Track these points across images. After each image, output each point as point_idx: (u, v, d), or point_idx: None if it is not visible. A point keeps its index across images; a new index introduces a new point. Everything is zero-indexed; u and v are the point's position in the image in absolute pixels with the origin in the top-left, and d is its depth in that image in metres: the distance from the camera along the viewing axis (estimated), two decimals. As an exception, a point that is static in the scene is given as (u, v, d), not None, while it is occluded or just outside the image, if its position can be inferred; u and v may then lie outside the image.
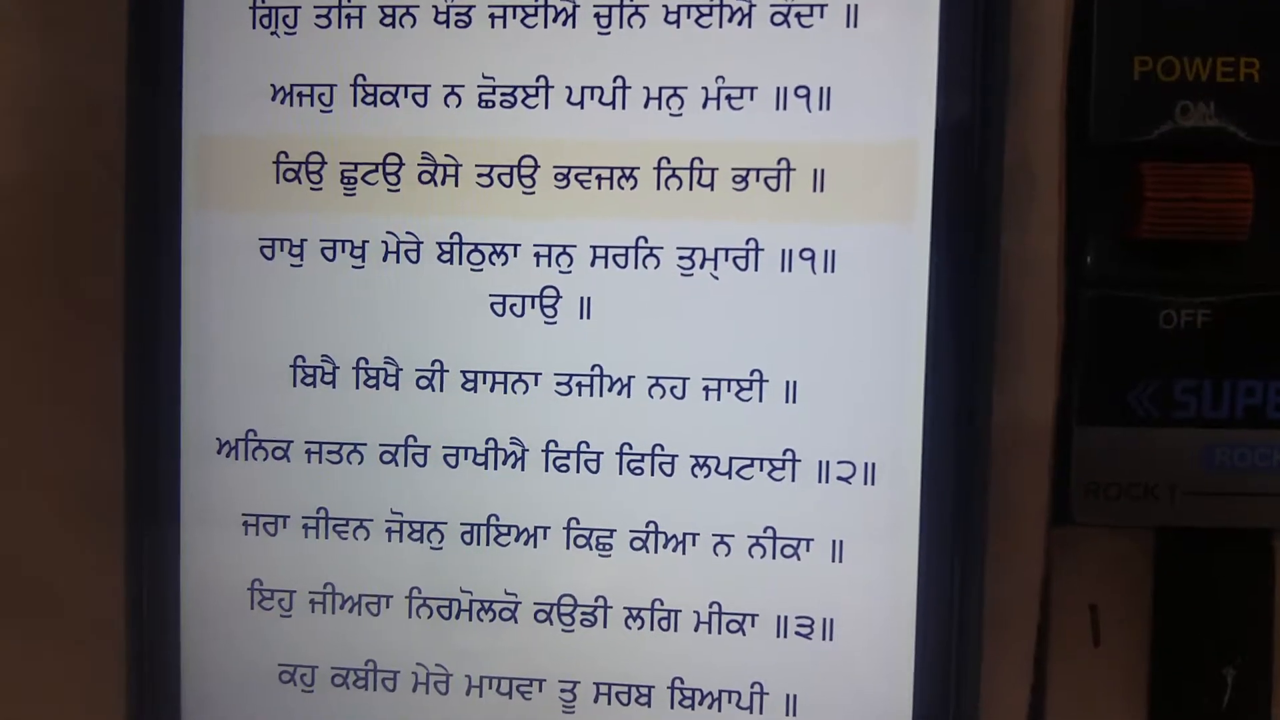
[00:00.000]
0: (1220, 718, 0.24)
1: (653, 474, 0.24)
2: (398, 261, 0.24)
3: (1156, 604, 0.25)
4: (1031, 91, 0.23)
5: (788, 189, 0.23)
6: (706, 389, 0.23)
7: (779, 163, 0.23)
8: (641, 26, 0.23)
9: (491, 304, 0.24)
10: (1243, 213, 0.23)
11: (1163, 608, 0.25)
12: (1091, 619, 0.25)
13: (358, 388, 0.24)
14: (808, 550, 0.24)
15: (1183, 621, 0.24)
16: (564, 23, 0.23)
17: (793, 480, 0.23)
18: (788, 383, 0.23)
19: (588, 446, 0.24)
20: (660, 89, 0.23)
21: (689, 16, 0.23)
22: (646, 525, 0.24)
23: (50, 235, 0.25)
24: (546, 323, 0.24)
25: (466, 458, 0.24)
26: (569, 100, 0.23)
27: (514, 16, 0.23)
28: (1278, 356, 0.24)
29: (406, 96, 0.24)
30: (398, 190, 0.24)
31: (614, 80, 0.23)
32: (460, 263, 0.24)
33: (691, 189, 0.23)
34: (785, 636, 0.24)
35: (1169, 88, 0.24)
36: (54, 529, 0.26)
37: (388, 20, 0.24)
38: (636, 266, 0.23)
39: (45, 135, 0.25)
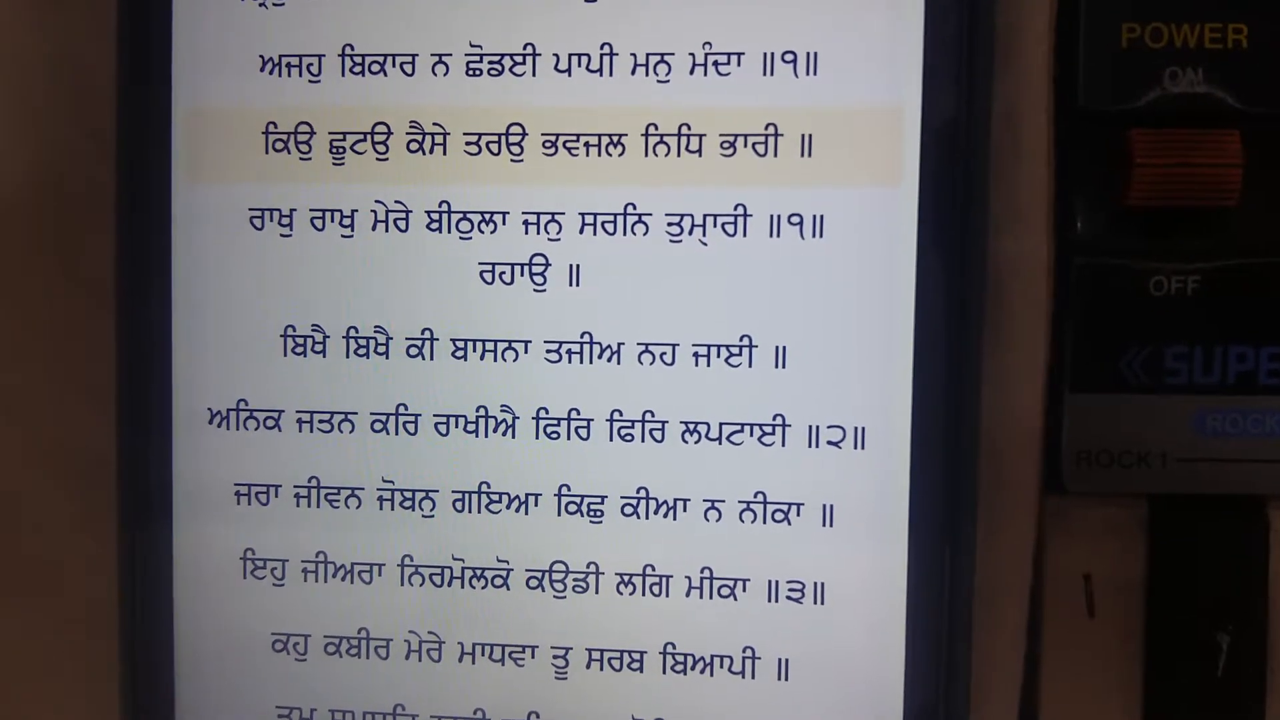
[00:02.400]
0: (1215, 684, 0.24)
1: (643, 440, 0.24)
2: (387, 230, 0.24)
3: (1150, 572, 0.25)
4: (1020, 58, 0.24)
5: (775, 154, 0.23)
6: (696, 355, 0.24)
7: (766, 128, 0.23)
8: (629, -7, 0.23)
9: (481, 272, 0.24)
10: (1232, 178, 0.23)
11: (1156, 575, 0.24)
12: (1085, 588, 0.25)
13: (348, 357, 0.24)
14: (798, 515, 0.24)
15: (1177, 588, 0.24)
16: (551, -10, 0.23)
17: (783, 445, 0.23)
18: (777, 348, 0.23)
19: (578, 414, 0.24)
20: (648, 56, 0.23)
21: (676, -17, 0.23)
22: (637, 491, 0.24)
23: (42, 210, 0.25)
24: (536, 290, 0.24)
25: (457, 426, 0.24)
26: (556, 68, 0.23)
27: (501, -15, 0.23)
28: (1269, 322, 0.24)
29: (394, 66, 0.24)
30: (386, 159, 0.24)
31: (601, 47, 0.23)
32: (449, 231, 0.24)
33: (679, 155, 0.23)
34: (776, 601, 0.24)
35: (1157, 54, 0.24)
36: (47, 500, 0.26)
37: (375, -11, 0.24)
38: (625, 233, 0.23)
39: (37, 111, 0.25)
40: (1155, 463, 0.24)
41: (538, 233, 0.24)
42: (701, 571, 0.24)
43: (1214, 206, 0.24)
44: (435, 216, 0.24)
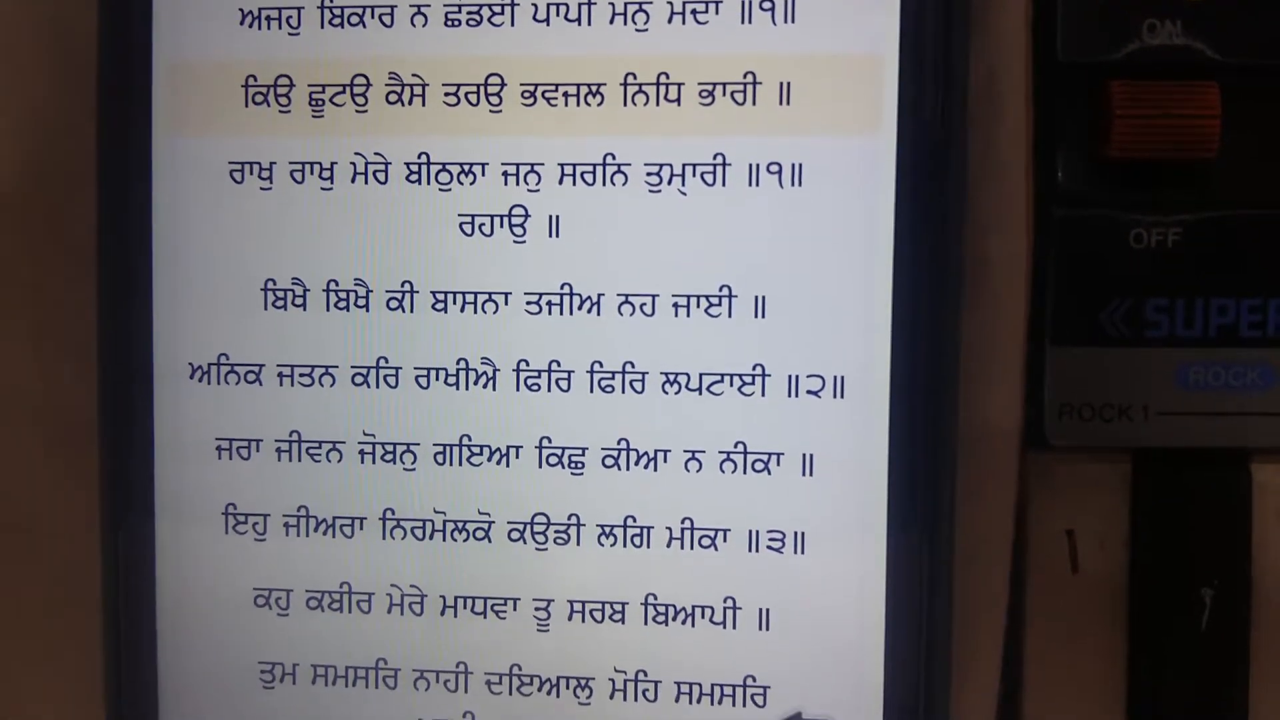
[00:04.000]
0: (1199, 638, 0.24)
1: (623, 392, 0.24)
2: (366, 182, 0.24)
3: (1134, 526, 0.25)
4: (998, 8, 0.23)
5: (754, 103, 0.23)
6: (676, 305, 0.23)
7: (745, 76, 0.23)
8: (606, -57, 0.23)
9: (460, 224, 0.24)
10: (1211, 130, 0.23)
11: (1140, 530, 0.24)
12: (1069, 543, 0.25)
13: (328, 310, 0.24)
14: (778, 464, 0.24)
15: (1160, 543, 0.24)
16: (528, -60, 0.23)
17: (762, 395, 0.23)
18: (756, 298, 0.23)
19: (558, 365, 0.24)
20: (626, 4, 0.23)
21: (653, -67, 0.23)
22: (618, 443, 0.24)
23: (22, 165, 0.25)
24: (515, 242, 0.24)
25: (438, 378, 0.24)
26: (535, 17, 0.23)
27: (479, -64, 0.23)
28: (1249, 274, 0.24)
29: (373, 17, 0.24)
30: (365, 111, 0.24)
31: (579, -4, 0.23)
32: (429, 183, 0.24)
33: (658, 105, 0.23)
34: (757, 551, 0.24)
35: (1136, 6, 0.24)
36: (26, 458, 0.26)
37: (353, -59, 0.24)
38: (605, 184, 0.23)
39: (17, 67, 0.25)
40: (1137, 416, 0.24)
41: (517, 184, 0.24)
42: (682, 522, 0.24)
43: (1194, 159, 0.24)
44: (414, 168, 0.24)
